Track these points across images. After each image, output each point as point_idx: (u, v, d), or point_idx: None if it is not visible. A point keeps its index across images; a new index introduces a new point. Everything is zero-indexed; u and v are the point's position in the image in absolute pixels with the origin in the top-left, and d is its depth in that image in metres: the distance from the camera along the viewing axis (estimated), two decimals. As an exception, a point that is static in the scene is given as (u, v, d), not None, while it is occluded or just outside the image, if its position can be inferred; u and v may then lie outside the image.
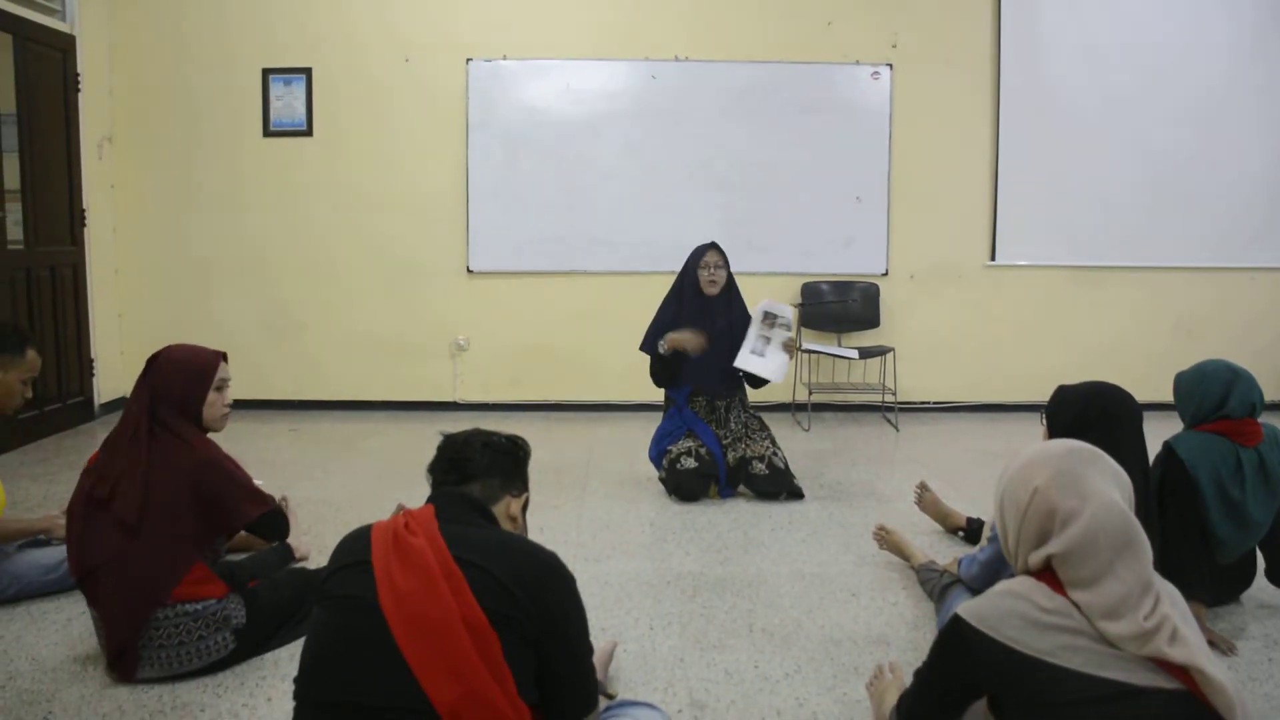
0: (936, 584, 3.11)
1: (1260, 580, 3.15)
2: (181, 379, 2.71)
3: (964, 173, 6.55)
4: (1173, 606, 1.61)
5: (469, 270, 6.46)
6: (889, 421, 6.35)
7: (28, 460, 5.08)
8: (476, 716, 1.60)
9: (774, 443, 4.53)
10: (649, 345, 4.52)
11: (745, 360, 4.42)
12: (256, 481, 2.83)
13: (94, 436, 5.68)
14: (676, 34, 6.38)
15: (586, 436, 5.81)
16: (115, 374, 6.31)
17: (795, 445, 5.56)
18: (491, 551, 1.73)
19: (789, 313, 4.45)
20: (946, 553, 3.62)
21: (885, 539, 3.60)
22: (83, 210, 6.00)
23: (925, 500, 4.03)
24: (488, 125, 6.36)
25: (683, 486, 4.37)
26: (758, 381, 4.51)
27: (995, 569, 2.77)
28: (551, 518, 4.10)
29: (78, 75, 5.91)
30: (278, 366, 6.48)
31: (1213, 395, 3.00)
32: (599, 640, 2.45)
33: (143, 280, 6.46)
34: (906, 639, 2.94)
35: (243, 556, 3.33)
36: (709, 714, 2.48)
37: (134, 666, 2.56)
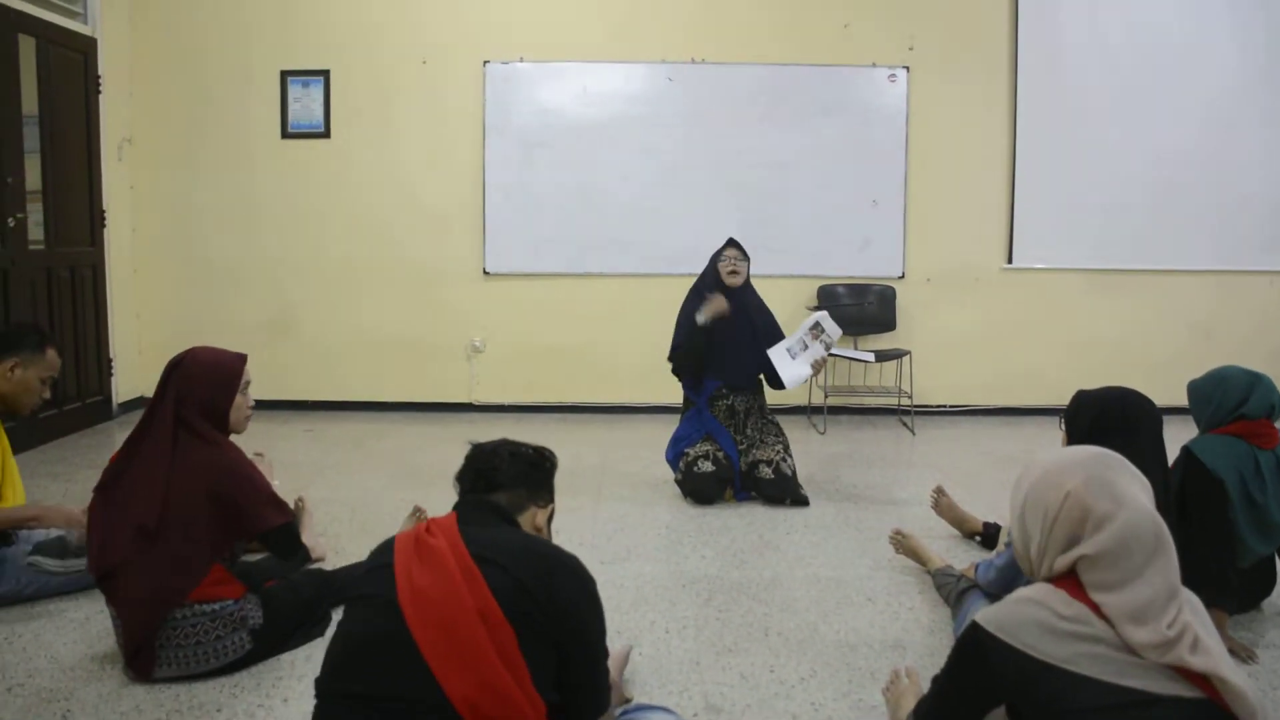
0: (953, 589, 3.09)
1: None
2: (208, 383, 2.71)
3: (980, 175, 6.53)
4: (1194, 614, 1.60)
5: (485, 272, 6.47)
6: (905, 425, 6.33)
7: (47, 459, 5.11)
8: (492, 709, 1.61)
9: (786, 449, 4.51)
10: (673, 350, 4.52)
11: (778, 353, 4.43)
12: (274, 483, 2.84)
13: (112, 435, 5.72)
14: (693, 36, 6.38)
15: (602, 438, 5.81)
16: (133, 373, 6.35)
17: (811, 448, 5.56)
18: (510, 551, 1.75)
19: (837, 335, 4.46)
20: (963, 557, 3.61)
21: (901, 543, 3.59)
22: (102, 211, 6.04)
23: (941, 504, 4.01)
24: (504, 127, 6.38)
25: (699, 490, 4.37)
26: (774, 379, 4.50)
27: (1012, 574, 2.75)
28: (567, 520, 4.09)
29: (98, 77, 5.95)
30: (294, 367, 6.51)
31: (1233, 396, 2.99)
32: (614, 643, 2.44)
33: (161, 280, 6.49)
34: (923, 644, 2.93)
35: (259, 557, 3.34)
36: (724, 718, 2.47)
37: (151, 665, 2.57)
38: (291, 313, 6.51)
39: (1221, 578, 2.83)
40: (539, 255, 6.45)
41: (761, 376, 4.58)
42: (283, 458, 5.15)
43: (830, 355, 5.83)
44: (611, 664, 2.12)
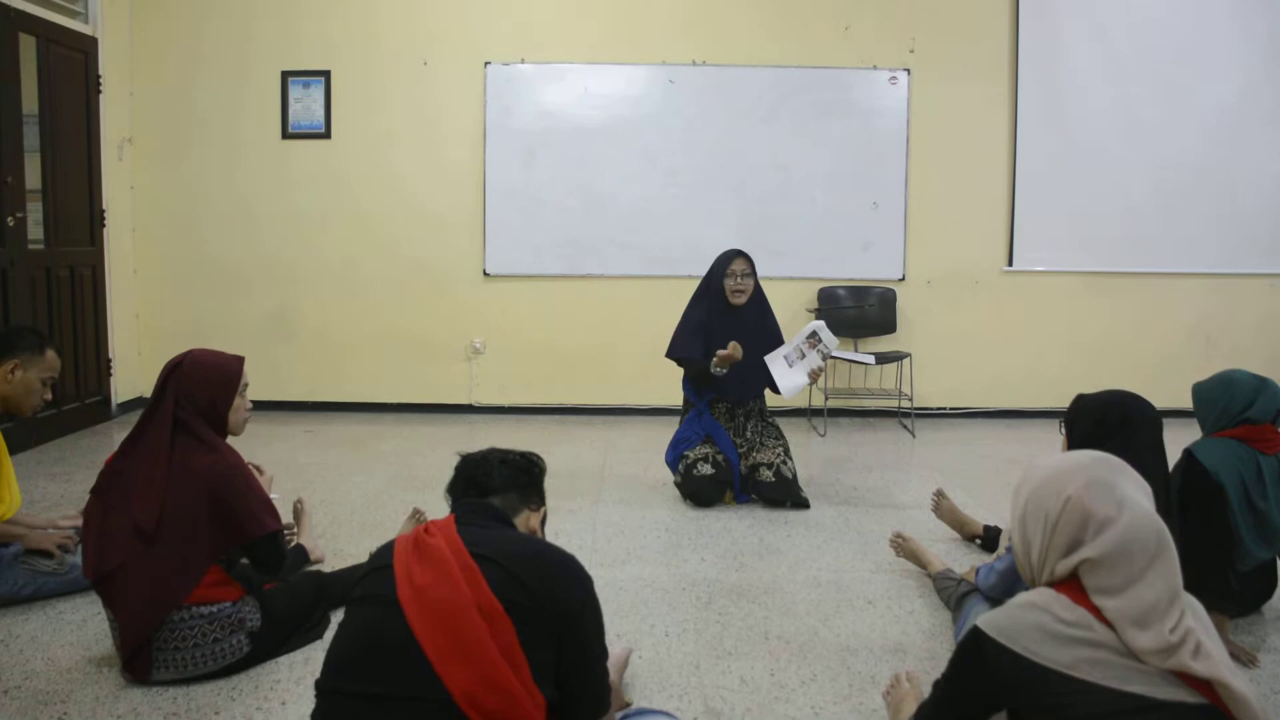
0: (953, 592, 3.09)
1: (1281, 591, 3.13)
2: (208, 385, 2.71)
3: (981, 178, 6.52)
4: (1196, 619, 1.59)
5: (485, 273, 6.46)
6: (905, 427, 6.32)
7: (45, 459, 5.11)
8: (492, 702, 1.62)
9: (786, 452, 4.50)
10: (677, 352, 4.50)
11: (775, 361, 4.41)
12: (273, 495, 2.83)
13: (111, 436, 5.71)
14: (694, 38, 6.37)
15: (602, 440, 5.80)
16: (133, 374, 6.34)
17: (811, 451, 5.55)
18: (508, 550, 1.77)
19: (834, 345, 4.42)
20: (963, 560, 3.60)
21: (902, 546, 3.58)
22: (102, 211, 6.03)
23: (942, 507, 4.00)
24: (505, 128, 6.37)
25: (699, 492, 4.36)
26: (773, 387, 4.49)
27: (1013, 578, 2.75)
28: (566, 522, 4.09)
29: (99, 77, 5.95)
30: (294, 368, 6.50)
31: (1239, 399, 2.98)
32: (614, 646, 2.44)
33: (161, 281, 6.49)
34: (923, 648, 2.92)
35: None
36: (724, 722, 2.47)
37: (148, 668, 2.57)
38: (292, 313, 6.50)
39: (1222, 581, 2.83)
40: (539, 257, 6.45)
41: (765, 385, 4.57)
42: (282, 459, 5.16)
43: (831, 358, 5.86)
44: (611, 667, 2.12)
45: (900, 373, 6.36)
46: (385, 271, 6.48)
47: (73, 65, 5.74)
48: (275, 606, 2.77)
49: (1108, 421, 2.60)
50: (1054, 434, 2.87)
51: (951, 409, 6.66)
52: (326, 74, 6.36)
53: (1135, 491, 1.66)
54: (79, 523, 3.09)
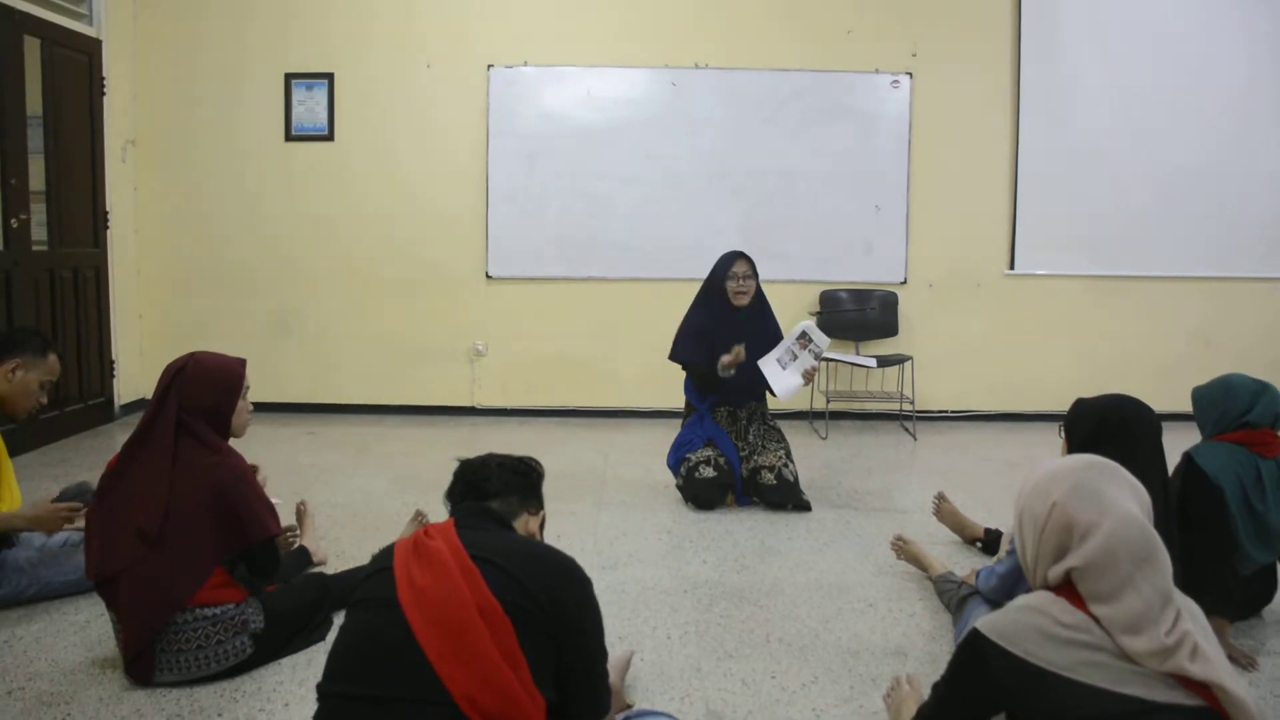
0: (954, 595, 3.09)
1: (1281, 595, 3.13)
2: (213, 388, 2.71)
3: (983, 181, 6.53)
4: (1193, 622, 1.60)
5: (488, 276, 6.47)
6: (907, 430, 6.33)
7: (48, 460, 5.12)
8: (492, 702, 1.63)
9: (788, 455, 4.50)
10: (678, 353, 4.51)
11: (767, 363, 4.41)
12: (274, 500, 2.84)
13: (113, 437, 5.72)
14: (697, 41, 6.38)
15: (603, 442, 5.81)
16: (135, 375, 6.35)
17: (813, 454, 5.55)
18: (508, 552, 1.78)
19: (825, 344, 4.42)
20: (964, 563, 3.61)
21: (903, 549, 3.59)
22: (106, 212, 6.05)
23: (943, 510, 4.01)
24: (508, 131, 6.38)
25: (700, 495, 4.37)
26: (768, 388, 4.49)
27: (1013, 581, 2.75)
28: (568, 524, 4.10)
29: (103, 79, 5.97)
30: (296, 370, 6.51)
31: (1239, 404, 2.99)
32: (615, 648, 2.44)
33: (164, 282, 6.50)
34: (924, 650, 2.93)
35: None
36: (725, 724, 2.47)
37: (151, 670, 2.57)
38: (294, 315, 6.51)
39: (1222, 585, 2.83)
40: (542, 259, 6.46)
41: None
42: (284, 461, 5.17)
43: (833, 361, 5.88)
44: (612, 669, 2.13)
45: (902, 376, 6.37)
46: (388, 273, 6.49)
47: (77, 67, 5.76)
48: (278, 608, 2.77)
49: (1107, 426, 2.60)
50: (1054, 438, 2.88)
51: (953, 412, 6.67)
52: (330, 76, 6.37)
53: (1122, 496, 1.66)
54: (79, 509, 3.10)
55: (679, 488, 4.52)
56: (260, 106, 6.39)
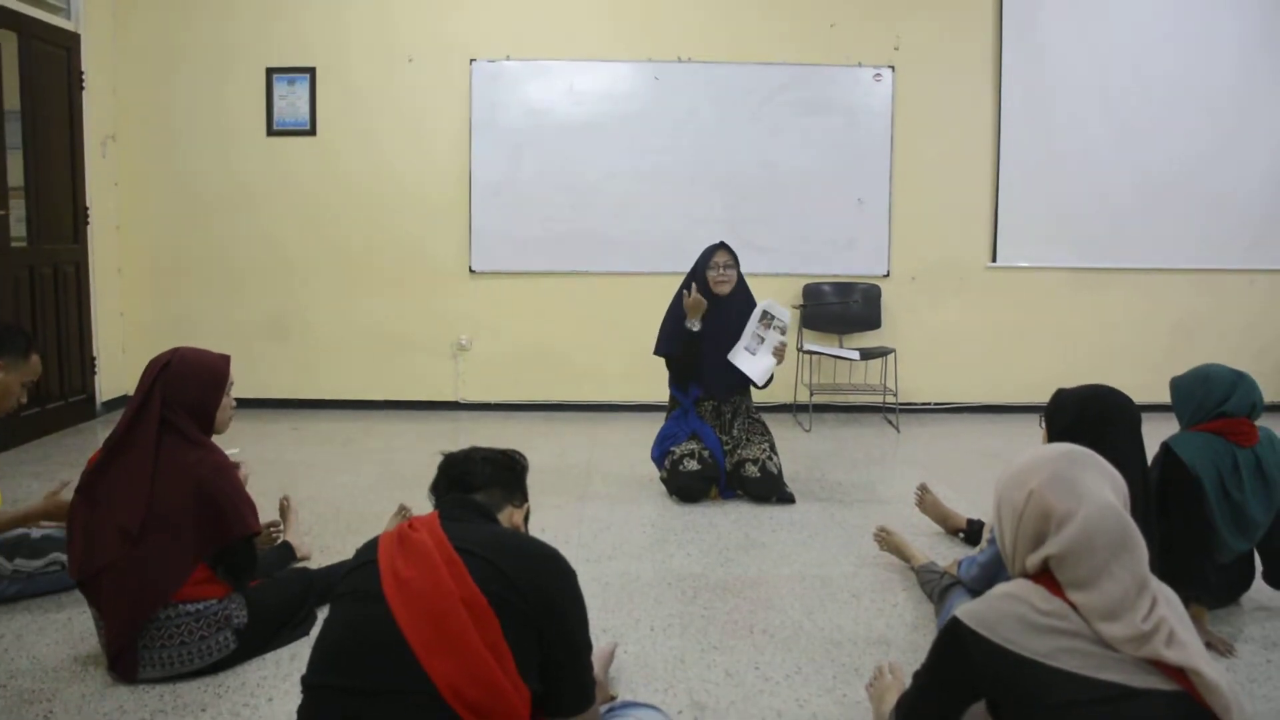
0: (937, 585, 3.11)
1: (1259, 582, 3.16)
2: (198, 384, 2.70)
3: (965, 174, 6.56)
4: (1170, 608, 1.62)
5: (471, 270, 6.47)
6: (890, 422, 6.36)
7: (29, 458, 5.09)
8: (477, 694, 1.63)
9: (772, 447, 4.51)
10: (664, 349, 4.51)
11: (737, 354, 4.42)
12: (230, 451, 2.82)
13: (95, 435, 5.69)
14: (679, 35, 6.38)
15: (588, 436, 5.81)
16: (117, 372, 6.32)
17: (796, 446, 5.57)
18: (492, 544, 1.79)
19: (787, 317, 4.43)
20: (947, 554, 3.63)
21: (886, 540, 3.61)
22: (86, 208, 6.01)
23: (926, 501, 4.04)
24: (491, 125, 6.37)
25: (684, 488, 4.38)
26: (749, 380, 4.50)
27: (994, 571, 2.77)
28: (553, 518, 4.10)
29: (82, 73, 5.92)
30: (280, 366, 6.49)
31: (1216, 394, 3.02)
32: (599, 641, 2.45)
33: (145, 279, 6.47)
34: (907, 640, 2.95)
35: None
36: (710, 715, 2.48)
37: (134, 667, 2.56)
38: (277, 311, 6.49)
39: (1200, 573, 2.87)
40: (525, 254, 6.45)
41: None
42: (268, 456, 5.16)
43: (816, 354, 5.90)
44: (596, 661, 2.14)
45: (885, 368, 6.39)
46: (371, 268, 6.48)
47: (55, 62, 5.72)
48: (261, 603, 2.76)
49: (1086, 416, 2.63)
50: (1036, 428, 2.90)
51: (936, 404, 6.70)
52: (311, 71, 6.34)
53: (1099, 485, 1.68)
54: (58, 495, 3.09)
55: (663, 481, 4.53)
56: (241, 101, 6.36)
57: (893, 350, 6.24)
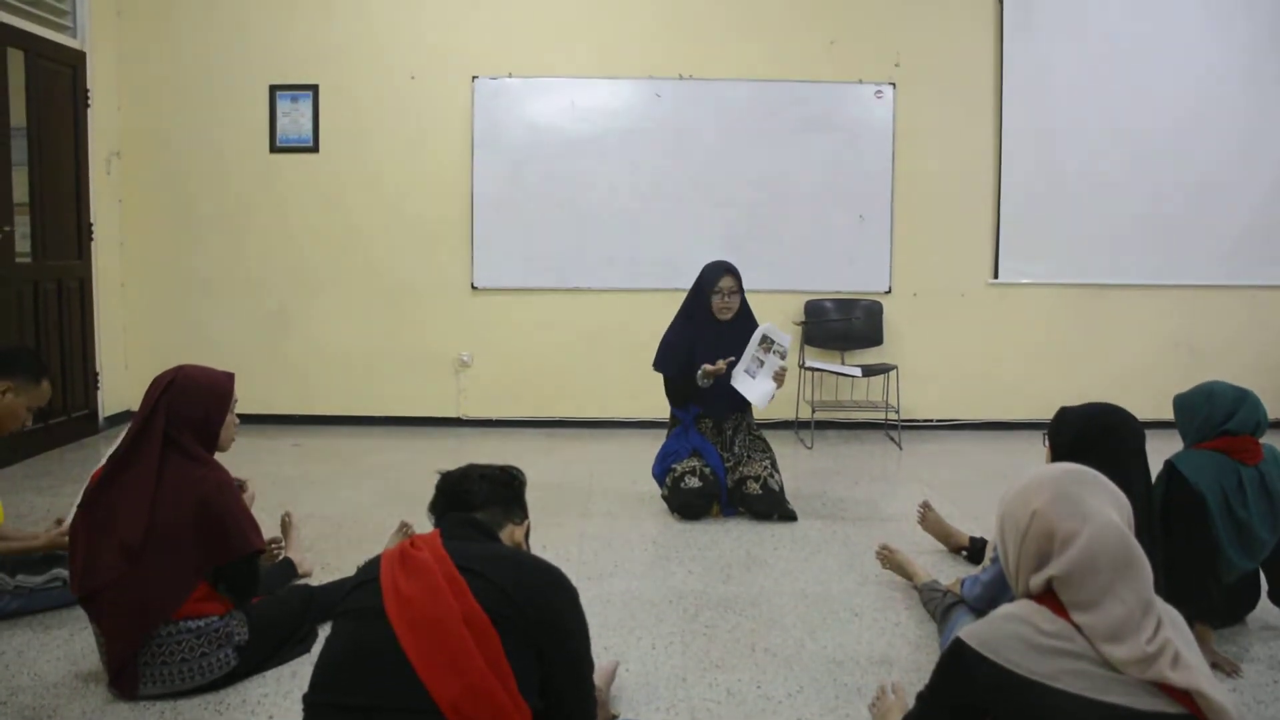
0: (939, 604, 3.10)
1: (1264, 602, 3.15)
2: (203, 402, 2.71)
3: (967, 191, 6.56)
4: (1174, 630, 1.61)
5: (473, 286, 6.47)
6: (892, 439, 6.35)
7: (32, 473, 5.09)
8: (478, 712, 1.63)
9: (773, 465, 4.51)
10: (662, 364, 4.51)
11: (737, 378, 4.40)
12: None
13: (98, 450, 5.68)
14: (681, 52, 6.40)
15: (589, 453, 5.81)
16: (120, 387, 6.32)
17: (798, 463, 5.56)
18: (494, 562, 1.79)
19: (787, 341, 4.42)
20: (949, 572, 3.62)
21: (888, 558, 3.60)
22: (90, 224, 6.03)
23: (928, 519, 4.02)
24: (493, 142, 6.39)
25: (686, 505, 4.37)
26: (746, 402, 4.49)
27: (997, 589, 2.77)
28: (553, 535, 4.10)
29: (87, 91, 5.95)
30: (282, 381, 6.49)
31: (1220, 411, 3.01)
32: (601, 659, 2.44)
33: (149, 294, 6.48)
34: (909, 659, 2.94)
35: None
36: (711, 734, 2.47)
37: (135, 684, 2.56)
38: (280, 327, 6.49)
39: (1205, 592, 2.85)
40: (527, 270, 6.46)
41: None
42: (270, 472, 5.15)
43: (818, 370, 5.90)
44: (598, 679, 2.14)
45: (887, 385, 6.39)
46: (373, 285, 6.48)
47: (61, 79, 5.75)
48: (262, 620, 2.76)
49: (1090, 434, 2.63)
50: (1039, 446, 2.90)
51: (938, 421, 6.69)
52: (314, 88, 6.37)
53: (1103, 504, 1.67)
54: (63, 530, 3.09)
55: (664, 498, 4.52)
56: (245, 118, 6.38)
57: (895, 367, 6.24)
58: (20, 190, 5.44)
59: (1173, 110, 6.49)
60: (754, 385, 4.40)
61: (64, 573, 3.12)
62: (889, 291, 6.58)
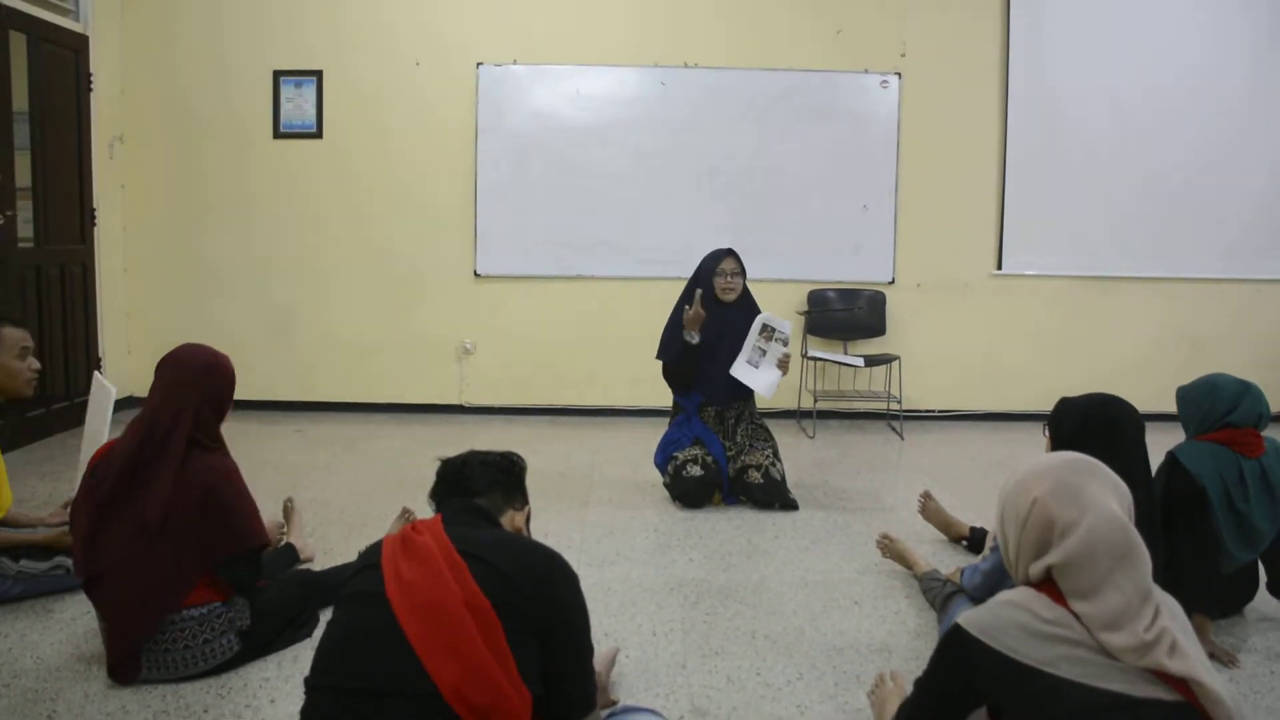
0: (939, 593, 3.11)
1: (1262, 593, 3.16)
2: (228, 386, 2.74)
3: (971, 182, 6.55)
4: (1172, 619, 1.61)
5: (476, 274, 6.47)
6: (894, 429, 6.35)
7: (34, 458, 5.10)
8: (479, 696, 1.63)
9: (775, 454, 4.51)
10: (665, 353, 4.51)
11: (739, 369, 4.41)
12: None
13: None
14: (686, 41, 6.39)
15: (592, 442, 5.81)
16: (122, 373, 6.31)
17: (800, 452, 5.57)
18: (495, 547, 1.79)
19: (788, 328, 4.41)
20: (949, 562, 3.62)
21: (888, 547, 3.61)
22: (93, 209, 6.03)
23: (929, 509, 4.03)
24: (497, 129, 6.38)
25: (688, 493, 4.38)
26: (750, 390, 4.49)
27: (997, 579, 2.77)
28: (555, 523, 4.11)
29: (90, 75, 5.94)
30: (284, 367, 6.50)
31: (1222, 403, 3.01)
32: (601, 645, 2.45)
33: (151, 280, 6.48)
34: (909, 647, 2.95)
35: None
36: (710, 720, 2.48)
37: (137, 671, 2.57)
38: (282, 313, 6.50)
39: (1204, 583, 2.86)
40: (530, 258, 6.46)
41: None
42: (272, 459, 5.17)
43: (821, 360, 5.91)
44: (598, 665, 2.14)
45: (889, 375, 6.39)
46: (376, 271, 6.48)
47: (63, 63, 5.74)
48: (264, 606, 2.77)
49: (1090, 424, 2.62)
50: (1040, 437, 2.90)
51: (940, 411, 6.70)
52: (318, 74, 6.36)
53: (1103, 493, 1.67)
54: (65, 517, 3.09)
55: (666, 486, 4.53)
56: (248, 103, 6.37)
57: (897, 357, 6.24)
58: (23, 175, 5.43)
59: (1181, 100, 6.48)
60: (758, 375, 4.39)
61: (68, 560, 3.12)
62: (893, 282, 6.58)
